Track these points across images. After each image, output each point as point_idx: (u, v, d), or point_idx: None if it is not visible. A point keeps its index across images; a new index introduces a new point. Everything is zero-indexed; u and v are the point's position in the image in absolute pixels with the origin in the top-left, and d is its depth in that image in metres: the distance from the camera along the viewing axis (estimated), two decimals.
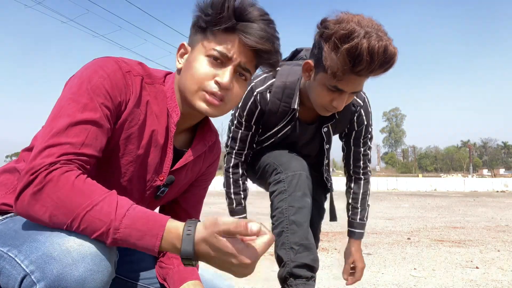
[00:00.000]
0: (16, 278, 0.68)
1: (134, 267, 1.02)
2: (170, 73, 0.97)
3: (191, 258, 0.69)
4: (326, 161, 1.68)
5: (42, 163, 0.70)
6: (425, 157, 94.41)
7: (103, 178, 0.85)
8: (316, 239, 1.70)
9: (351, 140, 1.64)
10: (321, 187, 1.78)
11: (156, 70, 0.95)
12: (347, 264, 1.62)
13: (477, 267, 3.52)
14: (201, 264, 1.06)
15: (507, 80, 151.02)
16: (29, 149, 0.90)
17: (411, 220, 7.60)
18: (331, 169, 1.72)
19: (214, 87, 0.85)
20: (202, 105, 0.87)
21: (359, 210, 1.67)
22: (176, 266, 1.02)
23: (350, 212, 1.68)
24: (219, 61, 0.86)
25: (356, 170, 1.68)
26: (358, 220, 1.66)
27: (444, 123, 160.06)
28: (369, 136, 1.64)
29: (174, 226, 0.70)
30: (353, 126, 1.59)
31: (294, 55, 1.66)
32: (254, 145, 1.61)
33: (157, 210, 1.12)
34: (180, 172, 0.98)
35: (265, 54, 0.87)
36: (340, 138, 1.69)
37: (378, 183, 27.90)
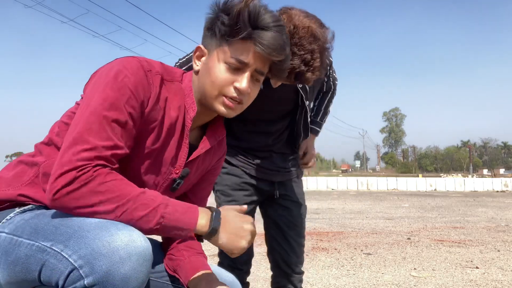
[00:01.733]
0: (63, 271, 0.71)
1: None
2: (185, 72, 1.01)
3: (216, 229, 0.85)
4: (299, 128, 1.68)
5: (88, 163, 0.75)
6: (425, 157, 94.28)
7: (120, 170, 0.87)
8: (302, 237, 1.71)
9: (322, 94, 1.79)
10: (299, 183, 1.75)
11: (174, 68, 0.99)
12: (300, 150, 1.72)
13: (477, 267, 3.52)
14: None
15: (507, 80, 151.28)
16: (46, 143, 0.93)
17: (411, 220, 7.60)
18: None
19: (233, 92, 0.91)
20: (221, 108, 0.93)
21: (321, 112, 1.78)
22: (187, 257, 1.05)
23: (313, 113, 1.77)
24: (237, 67, 0.90)
25: (329, 90, 1.80)
26: (318, 119, 1.77)
27: (444, 123, 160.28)
28: (335, 86, 1.79)
29: (203, 209, 0.86)
30: (323, 86, 1.74)
31: None
32: None
33: None
34: (192, 165, 1.02)
35: (278, 62, 0.93)
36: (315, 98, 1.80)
37: (378, 183, 27.89)
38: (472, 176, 42.56)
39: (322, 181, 28.19)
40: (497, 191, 24.39)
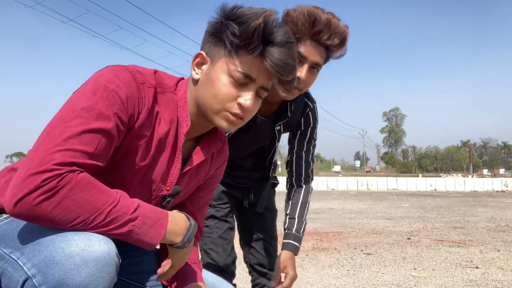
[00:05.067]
0: (18, 280, 0.68)
1: (137, 268, 1.01)
2: (181, 79, 0.95)
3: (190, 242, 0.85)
4: (273, 159, 1.74)
5: (54, 168, 0.68)
6: (425, 157, 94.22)
7: (109, 186, 0.85)
8: (275, 239, 1.77)
9: (296, 142, 1.65)
10: (270, 190, 1.81)
11: (169, 76, 0.93)
12: (278, 270, 1.52)
13: (477, 267, 3.52)
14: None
15: (507, 80, 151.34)
16: None
17: (411, 220, 7.60)
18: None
19: (236, 109, 0.85)
20: (223, 124, 0.87)
21: (296, 221, 1.57)
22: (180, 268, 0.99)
23: (286, 224, 1.58)
24: (242, 82, 0.85)
25: (298, 178, 1.64)
26: (294, 232, 1.55)
27: (444, 123, 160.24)
28: (313, 142, 1.66)
29: (178, 216, 0.84)
30: (300, 126, 1.63)
31: None
32: None
33: None
34: (183, 178, 0.96)
35: (286, 80, 0.88)
36: (289, 142, 1.72)
37: (378, 183, 27.92)
38: (472, 176, 42.54)
39: (322, 181, 28.20)
40: (497, 191, 24.38)
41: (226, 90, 0.84)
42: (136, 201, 0.77)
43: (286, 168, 1.70)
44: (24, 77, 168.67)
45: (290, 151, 1.68)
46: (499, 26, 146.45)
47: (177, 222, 0.82)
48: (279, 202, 1.75)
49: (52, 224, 0.69)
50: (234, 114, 0.86)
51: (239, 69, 0.83)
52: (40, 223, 0.69)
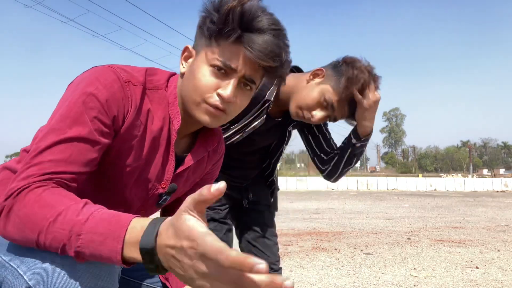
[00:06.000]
0: None
1: (137, 266, 1.01)
2: (173, 74, 0.92)
3: (152, 255, 0.56)
4: (278, 162, 1.74)
5: (17, 185, 0.67)
6: (425, 157, 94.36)
7: (102, 191, 0.82)
8: (275, 235, 1.80)
9: (320, 136, 1.64)
10: (267, 188, 1.82)
11: (160, 72, 0.90)
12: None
13: (477, 267, 3.52)
14: None
15: (507, 80, 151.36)
16: (27, 150, 0.87)
17: (411, 220, 7.60)
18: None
19: (216, 100, 0.81)
20: (203, 117, 0.84)
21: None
22: None
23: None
24: (223, 71, 0.80)
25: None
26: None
27: (444, 123, 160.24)
28: (327, 125, 1.71)
29: (141, 224, 0.58)
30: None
31: None
32: None
33: (158, 213, 1.10)
34: (180, 177, 0.95)
35: (270, 69, 0.82)
36: (311, 138, 1.67)
37: (378, 183, 27.97)
38: (472, 176, 42.57)
39: (322, 181, 28.21)
40: (497, 191, 24.41)
41: (205, 80, 0.81)
42: (89, 211, 0.62)
43: (316, 156, 1.65)
44: (24, 77, 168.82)
45: (318, 146, 1.63)
46: (500, 25, 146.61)
47: (142, 229, 0.58)
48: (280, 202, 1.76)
49: (17, 243, 0.68)
50: (214, 106, 0.81)
51: (218, 57, 0.79)
52: (9, 240, 0.69)
